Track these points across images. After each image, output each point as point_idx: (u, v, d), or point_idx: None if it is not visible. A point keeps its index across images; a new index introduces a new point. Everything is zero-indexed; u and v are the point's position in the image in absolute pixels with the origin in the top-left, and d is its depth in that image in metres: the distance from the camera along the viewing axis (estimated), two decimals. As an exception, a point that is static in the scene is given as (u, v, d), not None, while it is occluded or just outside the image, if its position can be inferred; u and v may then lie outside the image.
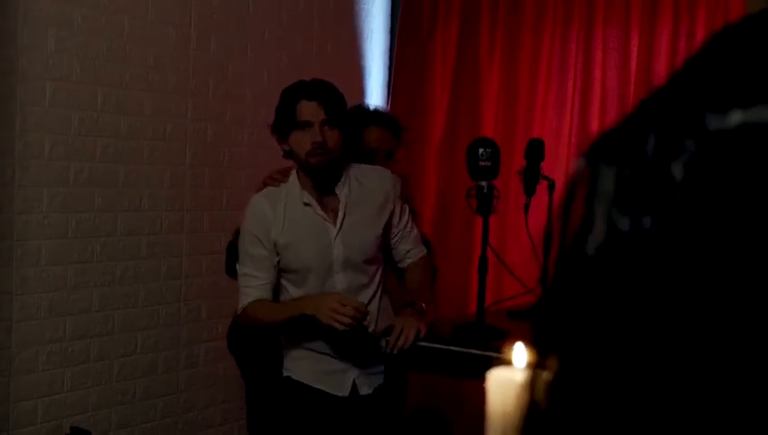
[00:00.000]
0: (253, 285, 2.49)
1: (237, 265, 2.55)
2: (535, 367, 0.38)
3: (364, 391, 2.59)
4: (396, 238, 2.67)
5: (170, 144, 3.60)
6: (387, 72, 4.84)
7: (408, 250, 2.71)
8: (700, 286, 0.32)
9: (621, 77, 4.31)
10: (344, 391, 2.57)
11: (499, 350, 2.78)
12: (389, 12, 4.83)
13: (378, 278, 2.60)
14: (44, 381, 3.20)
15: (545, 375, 0.37)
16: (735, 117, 0.32)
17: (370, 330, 2.54)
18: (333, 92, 2.48)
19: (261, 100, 3.65)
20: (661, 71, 4.18)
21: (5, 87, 3.02)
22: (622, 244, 0.34)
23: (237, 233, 2.73)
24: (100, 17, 3.29)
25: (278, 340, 2.68)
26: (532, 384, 0.38)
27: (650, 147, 0.34)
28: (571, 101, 4.40)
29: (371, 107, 3.05)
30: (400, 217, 2.66)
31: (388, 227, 2.60)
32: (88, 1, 3.25)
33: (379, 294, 2.60)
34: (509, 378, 0.81)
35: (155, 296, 3.56)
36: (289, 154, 2.52)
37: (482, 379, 0.95)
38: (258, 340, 2.90)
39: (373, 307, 2.56)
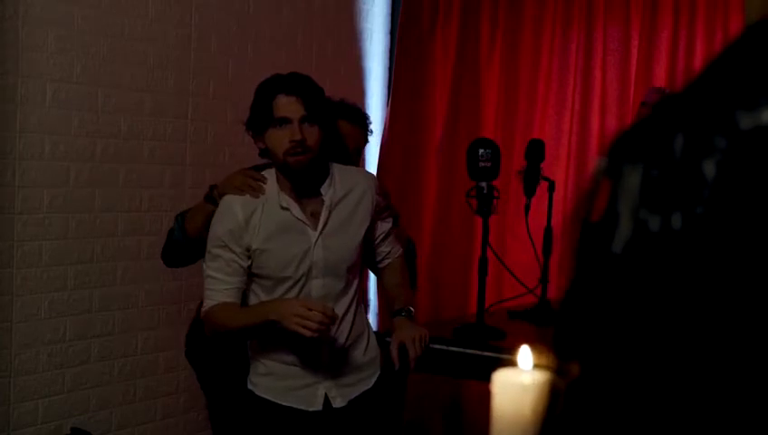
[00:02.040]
0: (218, 289, 2.31)
1: (203, 264, 2.37)
2: (556, 371, 0.37)
3: (338, 403, 2.42)
4: (378, 240, 2.56)
5: (170, 144, 3.59)
6: (387, 72, 4.84)
7: (388, 251, 2.60)
8: (733, 287, 0.31)
9: (621, 77, 4.31)
10: (316, 406, 2.40)
11: (499, 350, 2.79)
12: (389, 12, 4.83)
13: (355, 284, 2.46)
14: (45, 382, 3.19)
15: (566, 379, 0.36)
16: None
17: (345, 337, 2.41)
18: (312, 87, 2.31)
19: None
20: (661, 71, 4.18)
21: (6, 87, 3.02)
22: (652, 242, 0.33)
23: (178, 218, 2.61)
24: (100, 17, 3.29)
25: (241, 348, 2.53)
26: (552, 388, 0.37)
27: (678, 145, 0.33)
28: (571, 102, 4.40)
29: (338, 100, 2.80)
30: (382, 220, 2.54)
31: (370, 230, 2.47)
32: (88, 1, 3.25)
33: (355, 300, 2.46)
34: (515, 380, 0.80)
35: (155, 297, 3.56)
36: (265, 152, 2.35)
37: (482, 380, 0.95)
38: (219, 347, 2.73)
39: (350, 315, 2.42)
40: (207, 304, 2.33)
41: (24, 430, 3.14)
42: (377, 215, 2.48)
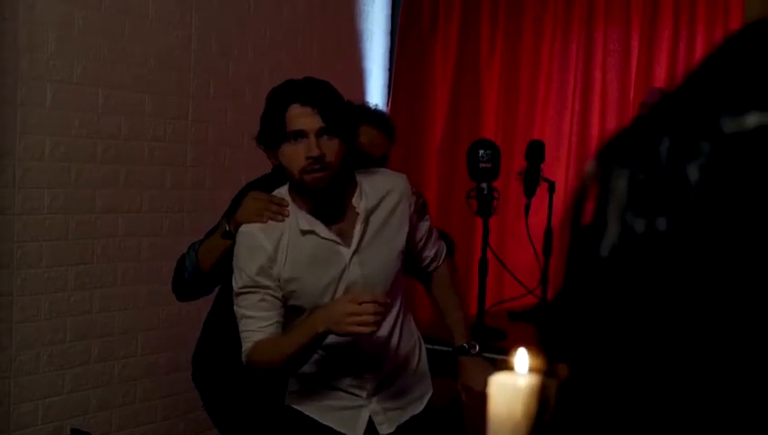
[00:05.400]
0: (255, 328, 2.05)
1: (235, 308, 2.12)
2: (545, 373, 0.38)
3: (384, 430, 2.19)
4: (420, 245, 2.29)
5: (171, 145, 3.59)
6: (387, 72, 4.84)
7: (434, 254, 2.34)
8: (717, 289, 0.32)
9: (622, 78, 4.31)
10: (357, 431, 2.17)
11: (500, 351, 2.79)
12: (389, 12, 4.84)
13: (400, 298, 2.22)
14: (45, 383, 3.19)
15: (555, 381, 0.37)
16: (752, 119, 0.32)
17: (392, 357, 2.20)
18: (330, 94, 2.04)
19: (261, 100, 3.62)
20: (661, 72, 4.18)
21: (6, 88, 3.02)
22: (637, 245, 0.34)
23: (190, 251, 2.44)
24: (100, 18, 3.29)
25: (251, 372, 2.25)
26: (541, 391, 0.37)
27: (664, 149, 0.34)
28: (571, 103, 4.40)
29: (360, 104, 2.57)
30: (421, 220, 2.28)
31: (410, 236, 2.20)
32: (88, 2, 3.25)
33: (401, 315, 2.22)
34: (511, 384, 0.80)
35: (155, 298, 3.55)
36: (279, 168, 2.11)
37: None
38: (229, 370, 2.48)
39: (396, 332, 2.20)
40: (246, 346, 2.07)
41: (24, 431, 3.14)
42: (414, 216, 2.23)
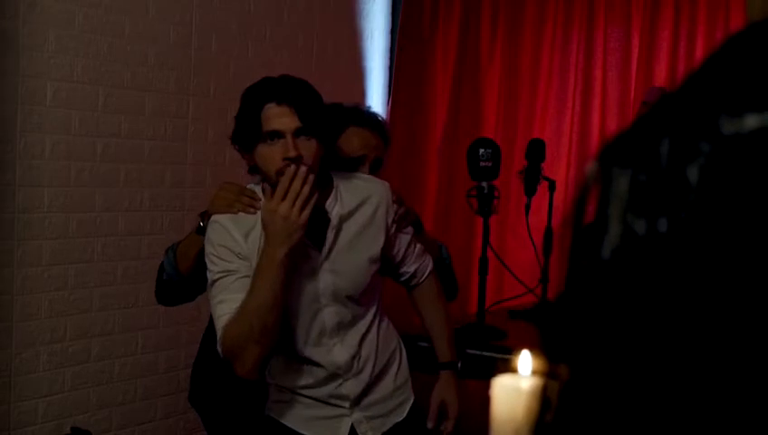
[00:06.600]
0: (227, 311, 1.92)
1: (210, 303, 2.02)
2: (546, 375, 0.38)
3: None
4: (399, 259, 2.21)
5: (171, 144, 3.59)
6: (387, 72, 4.84)
7: (414, 271, 2.26)
8: (717, 289, 0.32)
9: (622, 77, 4.32)
10: None
11: (500, 350, 2.79)
12: (390, 12, 4.83)
13: (374, 307, 2.16)
14: (45, 382, 3.19)
15: (557, 383, 0.37)
16: (751, 121, 0.32)
17: (371, 366, 2.14)
18: (308, 92, 1.96)
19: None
20: (662, 71, 4.18)
21: (6, 87, 3.02)
22: (638, 247, 0.34)
23: (168, 252, 2.33)
24: (100, 17, 3.29)
25: (250, 388, 2.21)
26: (543, 392, 0.37)
27: (664, 151, 0.34)
28: (571, 102, 4.40)
29: (353, 105, 2.47)
30: (400, 232, 2.19)
31: (387, 247, 2.13)
32: (89, 0, 3.25)
33: (376, 323, 2.16)
34: (514, 386, 0.80)
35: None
36: (254, 169, 2.01)
37: (483, 379, 0.95)
38: (227, 389, 2.43)
39: (370, 339, 2.14)
40: (219, 335, 1.93)
41: (24, 430, 3.14)
42: (392, 226, 2.14)
